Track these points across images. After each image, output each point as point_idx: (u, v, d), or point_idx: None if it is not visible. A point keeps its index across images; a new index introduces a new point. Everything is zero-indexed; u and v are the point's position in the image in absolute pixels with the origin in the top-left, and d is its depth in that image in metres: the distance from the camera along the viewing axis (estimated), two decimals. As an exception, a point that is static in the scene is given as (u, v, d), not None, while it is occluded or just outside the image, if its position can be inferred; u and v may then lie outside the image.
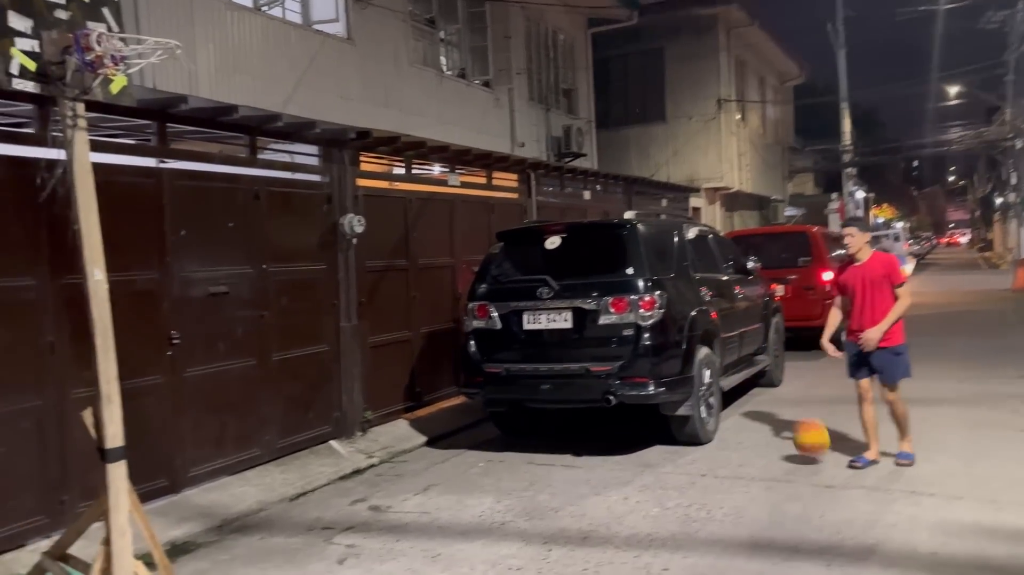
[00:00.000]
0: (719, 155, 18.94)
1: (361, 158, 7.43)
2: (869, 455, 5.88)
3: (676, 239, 7.16)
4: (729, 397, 8.32)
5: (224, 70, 8.68)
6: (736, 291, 8.13)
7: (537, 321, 6.55)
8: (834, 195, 28.07)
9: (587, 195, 12.25)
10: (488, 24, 13.55)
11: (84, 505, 4.60)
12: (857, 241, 5.84)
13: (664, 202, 15.70)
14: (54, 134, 3.54)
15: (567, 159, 15.62)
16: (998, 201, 38.54)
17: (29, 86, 3.29)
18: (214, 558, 4.82)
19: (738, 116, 19.71)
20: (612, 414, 7.42)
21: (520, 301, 6.59)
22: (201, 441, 5.84)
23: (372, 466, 6.73)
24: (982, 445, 6.25)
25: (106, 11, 3.66)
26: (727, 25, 18.66)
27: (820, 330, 12.30)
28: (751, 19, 18.67)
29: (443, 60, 12.81)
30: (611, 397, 6.18)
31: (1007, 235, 35.51)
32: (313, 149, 6.98)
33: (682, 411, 6.53)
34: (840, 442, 6.34)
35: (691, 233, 7.57)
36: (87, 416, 3.67)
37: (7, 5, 3.28)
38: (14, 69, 3.23)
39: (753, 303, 8.64)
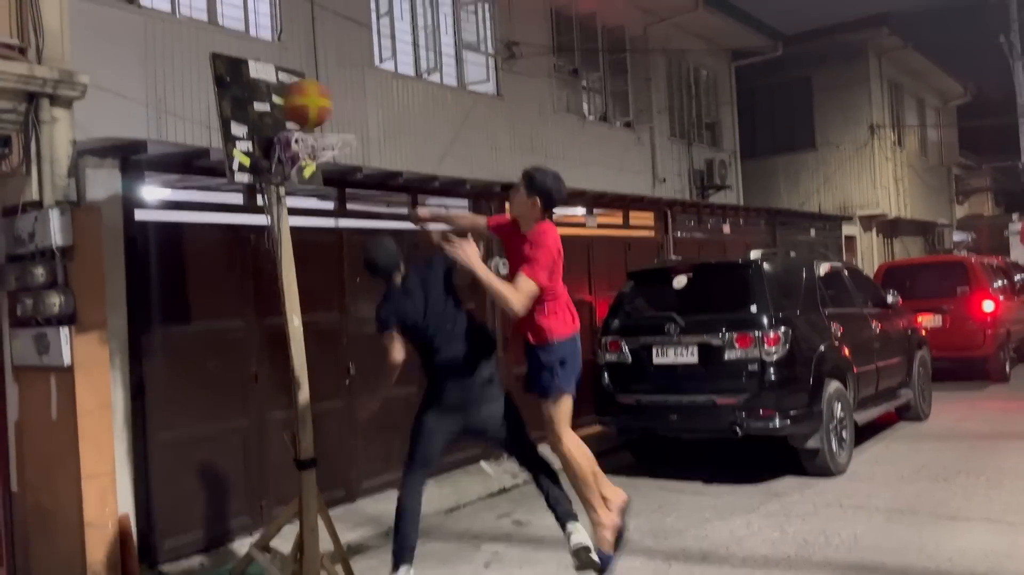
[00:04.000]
0: (873, 181, 18.45)
1: (505, 207, 8.27)
2: None
3: (804, 276, 7.44)
4: (870, 430, 8.38)
5: (391, 132, 9.84)
6: (873, 325, 8.22)
7: (666, 355, 7.05)
8: (1015, 215, 26.20)
9: (727, 229, 12.52)
10: (628, 69, 14.19)
11: (278, 508, 5.60)
12: None
13: (812, 232, 15.59)
14: (261, 206, 4.51)
15: (709, 192, 15.89)
16: None
17: (246, 178, 4.29)
18: (382, 558, 5.64)
19: (893, 140, 19.12)
20: (746, 444, 7.76)
21: (649, 336, 7.13)
22: (372, 458, 6.79)
23: (516, 486, 7.43)
24: None
25: (301, 113, 4.63)
26: (878, 50, 18.24)
27: (979, 361, 11.88)
28: (904, 42, 18.14)
29: (585, 106, 13.56)
30: (738, 429, 6.55)
31: None
32: (465, 202, 7.89)
33: (811, 444, 6.78)
34: (976, 475, 6.36)
35: (822, 270, 7.80)
36: (287, 435, 4.58)
37: (231, 117, 4.32)
38: (235, 166, 4.24)
39: (893, 337, 8.66)
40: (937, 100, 23.13)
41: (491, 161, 10.89)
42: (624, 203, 10.01)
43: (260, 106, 4.46)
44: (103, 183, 5.09)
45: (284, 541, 4.81)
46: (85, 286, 4.83)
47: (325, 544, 5.52)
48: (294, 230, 6.27)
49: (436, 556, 5.60)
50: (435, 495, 7.01)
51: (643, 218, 10.64)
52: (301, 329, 4.55)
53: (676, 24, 14.84)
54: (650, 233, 10.69)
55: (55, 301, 4.68)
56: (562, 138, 12.59)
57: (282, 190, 4.49)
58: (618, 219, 10.24)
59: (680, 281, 7.30)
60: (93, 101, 5.77)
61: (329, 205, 6.59)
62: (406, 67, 10.29)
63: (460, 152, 10.46)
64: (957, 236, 24.24)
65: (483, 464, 7.69)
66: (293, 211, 6.28)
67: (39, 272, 4.75)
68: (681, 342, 6.96)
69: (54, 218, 4.68)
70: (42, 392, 4.90)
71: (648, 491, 6.93)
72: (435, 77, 10.66)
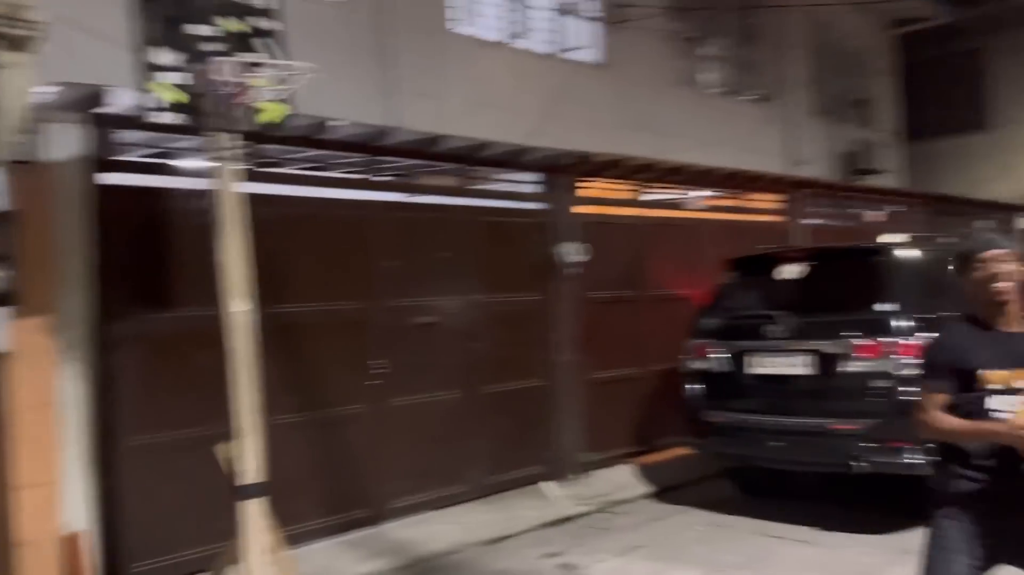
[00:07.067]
0: (1065, 166, 15.57)
1: (583, 184, 7.03)
2: None
3: (959, 268, 5.72)
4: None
5: (472, 105, 8.80)
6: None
7: (768, 364, 5.58)
8: None
9: (874, 217, 10.63)
10: (762, 36, 12.49)
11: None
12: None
13: (977, 223, 13.22)
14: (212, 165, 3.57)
15: (859, 177, 13.88)
16: None
17: (168, 118, 3.35)
18: (388, 601, 4.65)
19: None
20: (884, 481, 6.12)
21: (748, 340, 5.68)
22: (403, 474, 5.76)
23: (582, 514, 6.19)
24: None
25: (257, 42, 3.66)
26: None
27: None
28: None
29: (705, 78, 11.99)
30: (854, 463, 5.01)
31: None
32: (531, 176, 6.73)
33: (961, 487, 5.11)
34: None
35: (984, 260, 6.02)
36: (220, 451, 3.62)
37: (160, 42, 3.39)
38: (152, 103, 3.30)
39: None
40: None
41: (590, 140, 9.59)
42: (736, 182, 8.47)
43: (204, 28, 3.51)
44: (62, 140, 4.33)
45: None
46: (30, 259, 4.08)
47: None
48: (307, 201, 5.44)
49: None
50: (479, 521, 5.92)
51: (766, 201, 9.06)
52: (246, 316, 3.56)
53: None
54: (776, 218, 9.10)
55: (-9, 276, 3.95)
56: (677, 115, 11.13)
57: (226, 138, 3.51)
58: (732, 201, 8.72)
59: (792, 271, 5.80)
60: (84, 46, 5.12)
61: (355, 174, 5.63)
62: (492, 31, 9.24)
63: (553, 130, 9.24)
64: None
65: (543, 486, 6.50)
66: (301, 179, 5.45)
67: (-19, 243, 4.04)
68: (787, 348, 5.47)
69: (-10, 179, 3.95)
70: (-14, 383, 4.20)
71: (742, 535, 5.51)
72: (526, 42, 9.53)
